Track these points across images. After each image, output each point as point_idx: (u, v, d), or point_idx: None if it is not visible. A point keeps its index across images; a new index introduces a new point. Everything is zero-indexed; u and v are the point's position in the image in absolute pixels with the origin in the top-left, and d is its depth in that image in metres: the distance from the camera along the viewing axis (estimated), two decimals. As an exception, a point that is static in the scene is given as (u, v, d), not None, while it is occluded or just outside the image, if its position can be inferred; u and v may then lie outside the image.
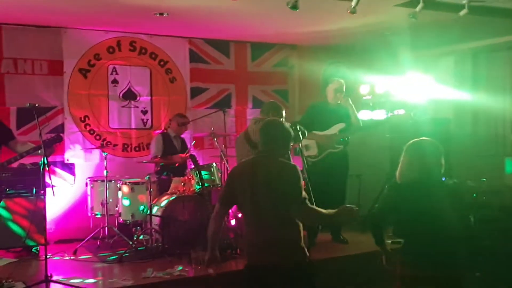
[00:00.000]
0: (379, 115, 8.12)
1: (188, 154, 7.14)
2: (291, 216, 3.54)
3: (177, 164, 6.97)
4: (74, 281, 5.28)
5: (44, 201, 6.30)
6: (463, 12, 6.36)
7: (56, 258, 6.23)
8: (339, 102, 6.72)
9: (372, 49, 8.86)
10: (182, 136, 7.57)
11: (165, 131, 7.60)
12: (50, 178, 5.10)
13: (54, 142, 5.70)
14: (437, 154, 3.72)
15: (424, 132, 7.96)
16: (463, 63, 9.42)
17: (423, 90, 8.30)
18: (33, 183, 6.32)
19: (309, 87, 8.91)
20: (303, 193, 3.56)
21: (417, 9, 6.18)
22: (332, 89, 6.79)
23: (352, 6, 5.92)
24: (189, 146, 7.45)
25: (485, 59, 9.28)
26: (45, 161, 5.08)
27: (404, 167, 3.73)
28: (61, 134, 7.23)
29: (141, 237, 6.61)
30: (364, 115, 7.87)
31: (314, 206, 3.70)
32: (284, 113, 5.85)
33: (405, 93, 8.20)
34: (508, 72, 8.92)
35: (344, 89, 6.76)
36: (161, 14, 6.57)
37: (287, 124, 3.91)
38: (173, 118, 7.52)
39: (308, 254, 3.64)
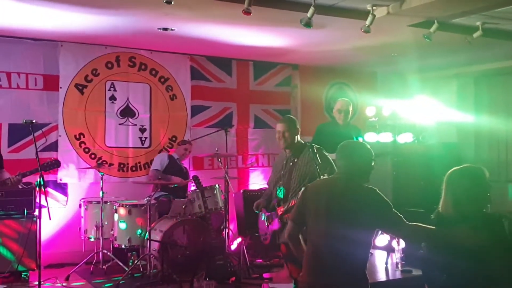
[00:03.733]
0: (386, 137, 7.87)
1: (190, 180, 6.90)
2: (363, 241, 3.45)
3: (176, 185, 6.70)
4: (68, 310, 4.93)
5: (37, 223, 6.02)
6: (476, 34, 6.33)
7: (47, 284, 5.84)
8: (348, 122, 6.49)
9: (377, 71, 8.73)
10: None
11: (170, 153, 7.34)
12: (46, 200, 4.75)
13: (52, 167, 5.44)
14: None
15: (433, 156, 7.92)
16: (466, 86, 9.40)
17: (430, 113, 8.11)
18: (24, 204, 6.04)
19: (312, 108, 8.74)
20: (396, 212, 3.44)
21: (432, 30, 6.09)
22: (336, 109, 6.60)
23: (367, 25, 5.76)
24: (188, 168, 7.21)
25: (487, 83, 9.31)
26: (42, 182, 4.75)
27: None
28: (55, 153, 6.96)
29: (137, 262, 6.26)
30: (370, 138, 7.62)
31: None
32: None
33: (412, 116, 7.99)
34: (510, 96, 8.89)
35: (350, 108, 6.54)
36: (165, 29, 6.30)
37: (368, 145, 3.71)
38: (179, 143, 7.39)
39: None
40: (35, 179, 5.07)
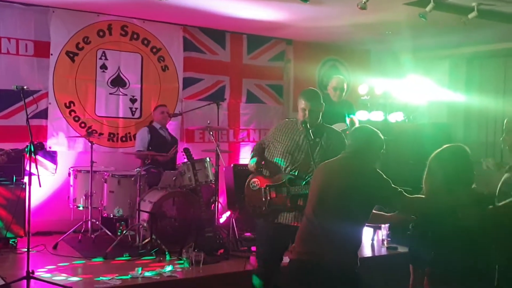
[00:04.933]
0: (377, 116, 7.90)
1: (173, 151, 6.89)
2: (359, 218, 3.58)
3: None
4: (57, 278, 4.92)
5: (25, 190, 5.97)
6: (472, 15, 6.34)
7: (35, 251, 5.82)
8: (342, 99, 6.48)
9: (371, 49, 8.70)
10: (174, 126, 7.28)
11: (150, 124, 7.23)
12: (36, 167, 4.70)
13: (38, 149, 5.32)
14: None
15: (423, 135, 7.96)
16: (458, 67, 9.42)
17: (422, 92, 8.13)
18: (13, 171, 5.99)
19: (304, 84, 8.60)
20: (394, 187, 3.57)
21: (427, 9, 6.08)
22: (331, 86, 6.58)
23: (363, 1, 5.74)
24: (176, 136, 7.17)
25: (479, 64, 9.34)
26: (32, 148, 4.69)
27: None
28: (45, 120, 6.90)
29: (124, 232, 6.27)
30: (361, 116, 7.65)
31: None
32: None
33: (404, 95, 8.01)
34: (501, 78, 8.94)
35: (345, 86, 6.53)
36: (159, -2, 6.21)
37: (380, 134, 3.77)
38: (155, 109, 7.23)
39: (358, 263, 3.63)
40: (24, 146, 5.00)
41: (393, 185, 3.57)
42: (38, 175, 4.74)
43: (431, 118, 8.99)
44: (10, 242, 5.98)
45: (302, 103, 4.37)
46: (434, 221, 3.43)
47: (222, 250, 5.87)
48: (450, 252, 3.34)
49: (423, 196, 3.55)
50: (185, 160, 6.27)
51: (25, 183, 5.90)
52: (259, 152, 4.57)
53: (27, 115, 4.80)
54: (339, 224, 3.48)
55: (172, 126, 7.46)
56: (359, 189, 3.51)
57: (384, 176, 3.58)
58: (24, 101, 4.84)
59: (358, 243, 3.68)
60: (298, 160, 4.33)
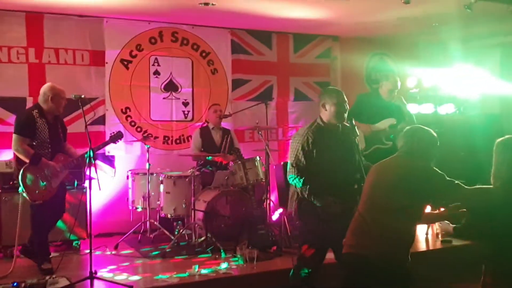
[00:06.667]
0: (427, 109, 7.82)
1: (224, 156, 6.87)
2: (412, 216, 3.61)
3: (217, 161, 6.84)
4: (118, 277, 5.16)
5: (86, 194, 6.26)
6: (518, 3, 6.16)
7: (97, 253, 6.11)
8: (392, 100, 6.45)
9: (418, 41, 8.60)
10: (227, 127, 7.41)
11: (205, 124, 7.44)
12: (96, 171, 4.96)
13: (118, 138, 5.70)
14: None
15: (475, 127, 7.83)
16: (510, 56, 9.14)
17: (473, 83, 7.98)
18: (75, 176, 6.28)
19: (352, 79, 8.72)
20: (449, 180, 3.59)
21: (473, 0, 5.96)
22: (387, 87, 6.41)
23: (407, -5, 5.73)
24: (233, 138, 7.29)
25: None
26: (91, 154, 4.95)
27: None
28: (103, 126, 7.20)
29: (182, 231, 6.49)
30: (411, 109, 7.58)
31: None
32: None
33: (454, 87, 7.88)
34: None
35: (399, 85, 6.48)
36: (206, 4, 6.39)
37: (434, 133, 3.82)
38: (209, 109, 7.40)
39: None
40: (83, 152, 5.27)
41: (448, 178, 3.59)
42: (98, 179, 5.01)
43: (483, 109, 8.79)
44: (74, 244, 6.31)
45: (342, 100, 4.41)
46: (498, 213, 3.42)
47: (275, 247, 5.99)
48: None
49: (490, 186, 3.55)
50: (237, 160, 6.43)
51: (86, 187, 6.22)
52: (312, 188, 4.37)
53: (85, 122, 5.06)
54: (391, 219, 3.53)
55: (226, 127, 7.55)
56: (410, 184, 3.55)
57: (438, 171, 3.60)
58: (83, 109, 5.12)
59: (410, 238, 3.70)
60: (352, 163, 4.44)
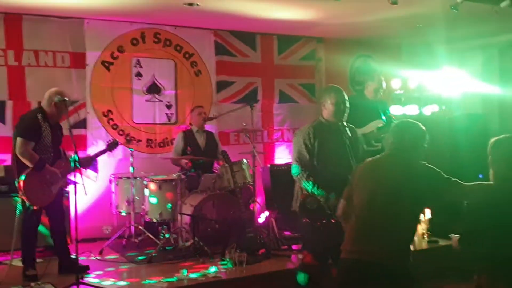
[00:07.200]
0: (411, 110, 7.82)
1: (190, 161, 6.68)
2: (411, 215, 3.51)
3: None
4: (105, 283, 5.05)
5: (69, 199, 6.13)
6: (504, 4, 6.20)
7: (82, 258, 5.95)
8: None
9: (403, 43, 8.65)
10: (211, 130, 7.31)
11: (189, 127, 7.33)
12: (81, 176, 4.84)
13: (115, 146, 5.72)
14: None
15: (458, 127, 7.88)
16: (491, 57, 9.28)
17: (457, 84, 8.03)
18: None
19: (337, 81, 8.54)
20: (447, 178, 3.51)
21: (459, 0, 5.98)
22: (372, 87, 6.46)
23: (394, -4, 5.72)
24: (217, 141, 7.20)
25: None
26: (76, 158, 4.83)
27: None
28: (84, 130, 7.06)
29: (167, 235, 6.37)
30: (395, 110, 7.58)
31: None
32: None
33: (439, 88, 7.92)
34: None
35: (384, 86, 6.47)
36: (191, 4, 6.30)
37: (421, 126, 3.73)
38: (192, 111, 7.28)
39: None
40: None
41: (445, 175, 3.53)
42: (84, 184, 4.89)
43: (467, 109, 8.88)
44: (58, 249, 6.14)
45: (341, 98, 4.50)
46: (498, 211, 3.38)
47: (263, 250, 5.90)
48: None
49: (490, 183, 3.54)
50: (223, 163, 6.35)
51: (69, 191, 6.09)
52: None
53: (69, 125, 4.94)
54: (391, 221, 3.43)
55: (211, 130, 7.48)
56: (410, 184, 3.46)
57: (435, 168, 3.53)
58: (67, 112, 5.00)
59: (410, 239, 3.62)
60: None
